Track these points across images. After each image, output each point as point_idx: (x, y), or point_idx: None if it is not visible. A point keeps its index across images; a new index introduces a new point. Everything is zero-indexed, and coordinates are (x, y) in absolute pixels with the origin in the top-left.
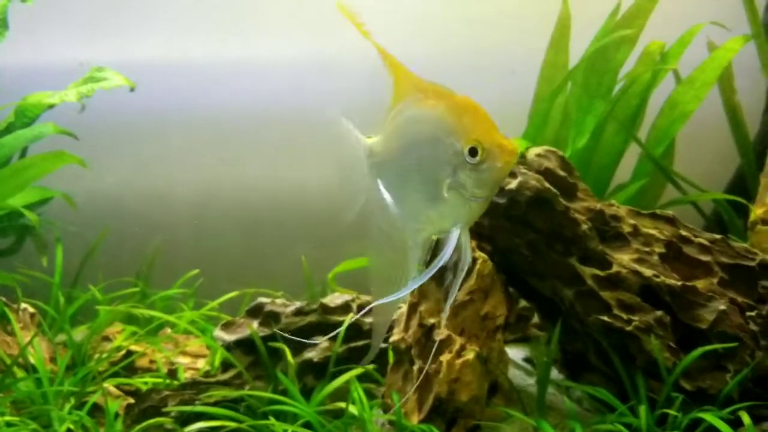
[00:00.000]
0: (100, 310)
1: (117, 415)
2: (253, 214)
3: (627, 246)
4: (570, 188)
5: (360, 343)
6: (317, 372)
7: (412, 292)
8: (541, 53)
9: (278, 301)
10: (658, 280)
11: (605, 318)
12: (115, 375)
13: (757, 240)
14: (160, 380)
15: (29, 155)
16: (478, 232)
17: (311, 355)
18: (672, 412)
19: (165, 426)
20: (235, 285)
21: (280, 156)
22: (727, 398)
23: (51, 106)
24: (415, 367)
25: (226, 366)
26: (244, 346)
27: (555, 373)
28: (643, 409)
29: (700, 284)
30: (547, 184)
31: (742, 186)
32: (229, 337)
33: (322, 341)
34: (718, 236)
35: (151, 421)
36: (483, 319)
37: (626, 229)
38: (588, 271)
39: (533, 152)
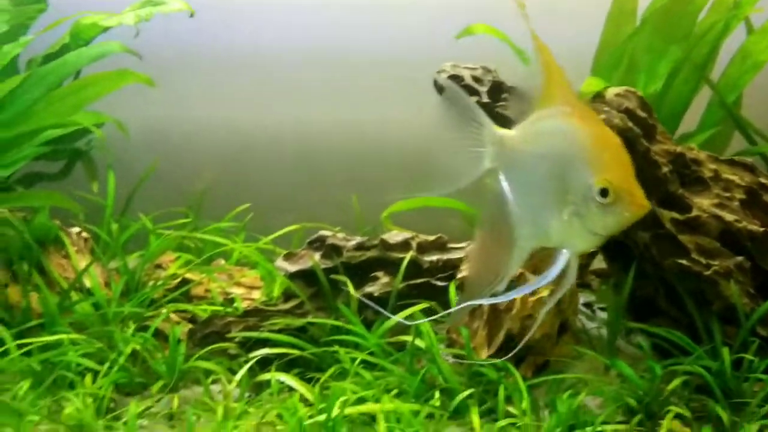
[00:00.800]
0: (153, 237)
1: (179, 340)
2: (305, 154)
3: (707, 191)
4: (650, 130)
5: (419, 281)
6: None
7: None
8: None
9: (339, 234)
10: (739, 225)
11: (683, 262)
12: (171, 302)
13: None
14: (219, 308)
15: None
16: None
17: (372, 289)
18: (749, 356)
19: (229, 351)
20: (284, 221)
21: (337, 96)
22: None
23: (106, 29)
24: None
25: (286, 296)
26: (306, 277)
27: None
28: (725, 351)
29: None
30: (630, 123)
31: None
32: (291, 268)
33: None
34: None
35: (215, 346)
36: None
37: (707, 173)
38: (667, 215)
39: (612, 92)
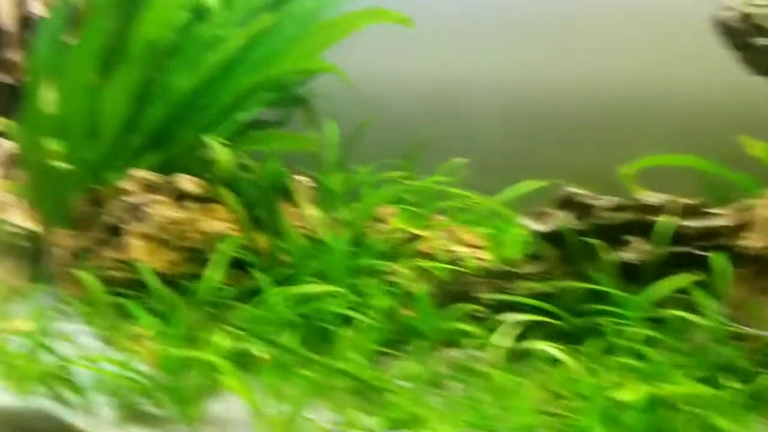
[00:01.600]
0: (371, 189)
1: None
2: (531, 109)
3: None
4: None
5: (680, 248)
6: (631, 275)
7: None
8: None
9: (588, 193)
10: None
11: None
12: (401, 257)
13: None
14: (459, 267)
15: None
16: None
17: (628, 255)
18: None
19: (476, 313)
20: (507, 178)
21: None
22: None
23: None
24: None
25: (529, 258)
26: (553, 239)
27: None
28: None
29: None
30: None
31: None
32: (539, 228)
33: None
34: None
35: (461, 305)
36: None
37: None
38: None
39: None
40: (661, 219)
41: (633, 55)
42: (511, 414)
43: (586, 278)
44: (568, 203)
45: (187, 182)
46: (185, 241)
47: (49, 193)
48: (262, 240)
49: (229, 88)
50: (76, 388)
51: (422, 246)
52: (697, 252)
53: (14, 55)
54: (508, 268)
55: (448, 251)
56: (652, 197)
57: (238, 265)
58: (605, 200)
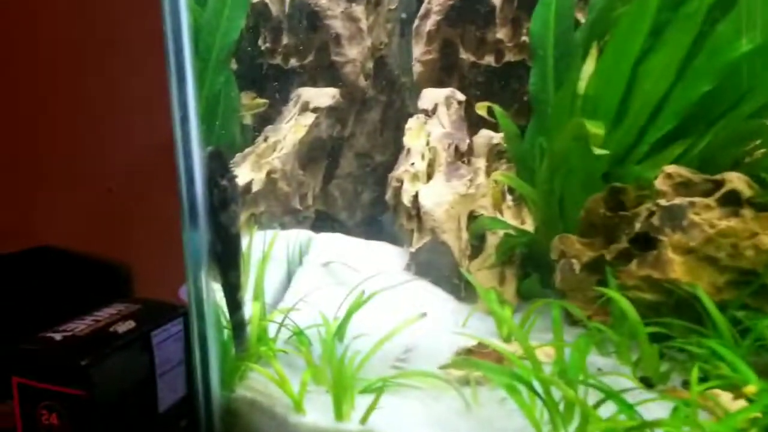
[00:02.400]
0: None
1: None
2: None
3: None
4: None
5: None
6: None
7: None
8: None
9: None
10: None
11: None
12: None
13: None
14: None
15: None
16: None
17: None
18: None
19: None
20: None
21: None
22: None
23: None
24: None
25: None
26: None
27: None
28: None
29: None
30: None
31: None
32: None
33: None
34: None
35: None
36: None
37: None
38: None
39: None
40: None
41: None
42: None
43: None
44: None
45: (739, 182)
46: (738, 259)
47: (552, 188)
48: None
49: None
50: None
51: None
52: None
53: (501, 35)
54: None
55: None
56: None
57: None
58: None
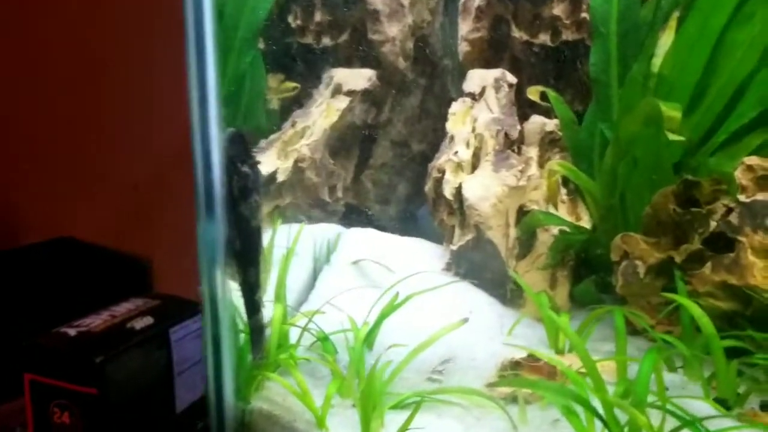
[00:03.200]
0: None
1: None
2: None
3: None
4: None
5: None
6: None
7: None
8: None
9: None
10: None
11: None
12: None
13: None
14: None
15: None
16: None
17: None
18: None
19: None
20: None
21: None
22: None
23: None
24: None
25: None
26: None
27: None
28: None
29: None
30: None
31: None
32: None
33: None
34: None
35: None
36: None
37: None
38: None
39: None
40: None
41: None
42: None
43: None
44: None
45: None
46: None
47: (614, 180)
48: None
49: None
50: None
51: None
52: None
53: (559, 11)
54: None
55: None
56: None
57: None
58: None
